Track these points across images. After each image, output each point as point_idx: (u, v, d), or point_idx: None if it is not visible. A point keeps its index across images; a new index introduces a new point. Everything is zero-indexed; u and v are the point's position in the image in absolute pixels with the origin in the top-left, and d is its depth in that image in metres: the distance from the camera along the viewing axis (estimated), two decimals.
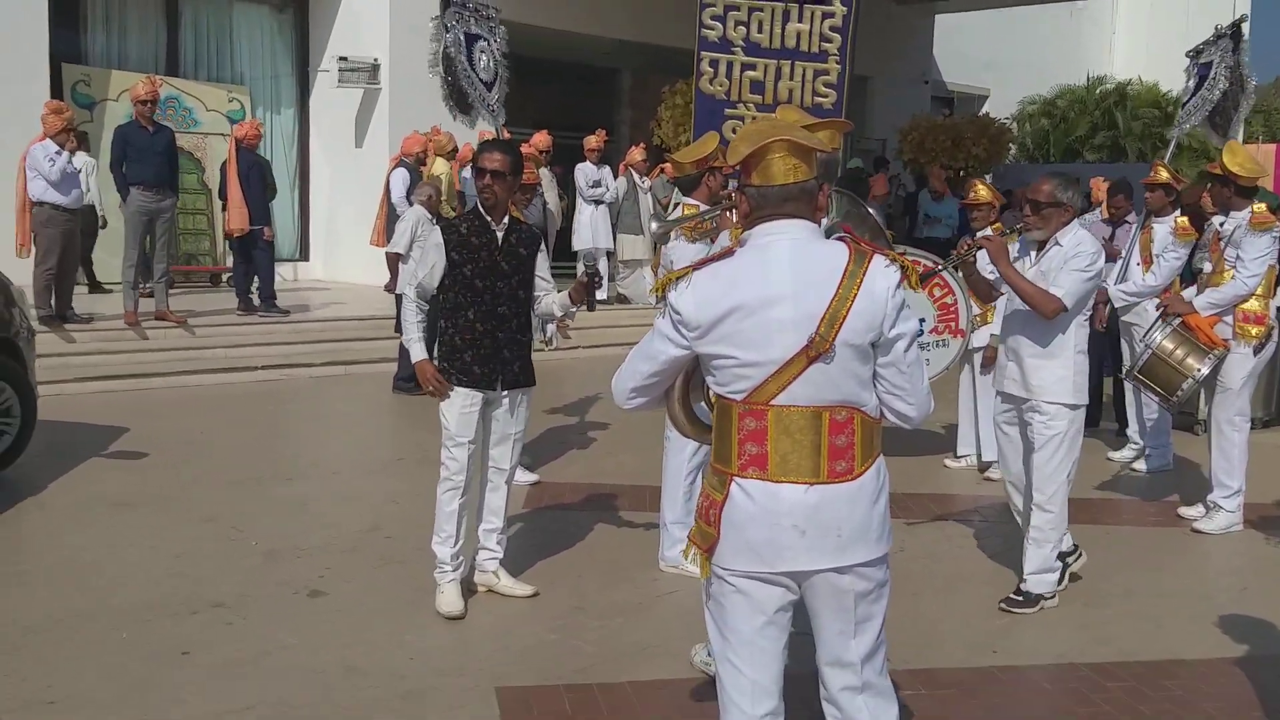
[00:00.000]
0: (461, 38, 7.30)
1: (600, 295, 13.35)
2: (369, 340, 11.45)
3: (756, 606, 2.83)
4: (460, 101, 7.47)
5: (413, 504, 6.59)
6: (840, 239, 2.90)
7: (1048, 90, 23.56)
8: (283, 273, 12.11)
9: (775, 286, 2.72)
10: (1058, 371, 5.21)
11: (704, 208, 5.53)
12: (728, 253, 2.83)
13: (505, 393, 5.11)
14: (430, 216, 9.97)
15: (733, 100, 9.09)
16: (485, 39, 7.41)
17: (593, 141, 13.74)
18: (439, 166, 11.97)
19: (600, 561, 5.82)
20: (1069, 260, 5.17)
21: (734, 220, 4.60)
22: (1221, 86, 8.39)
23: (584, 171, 13.64)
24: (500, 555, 5.31)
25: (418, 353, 5.07)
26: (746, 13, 8.95)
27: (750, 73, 9.03)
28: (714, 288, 2.76)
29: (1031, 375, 5.26)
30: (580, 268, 5.06)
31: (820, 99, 8.98)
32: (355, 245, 14.79)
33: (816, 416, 2.74)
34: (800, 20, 8.89)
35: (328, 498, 6.85)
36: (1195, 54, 9.00)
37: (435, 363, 5.06)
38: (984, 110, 21.87)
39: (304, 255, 15.92)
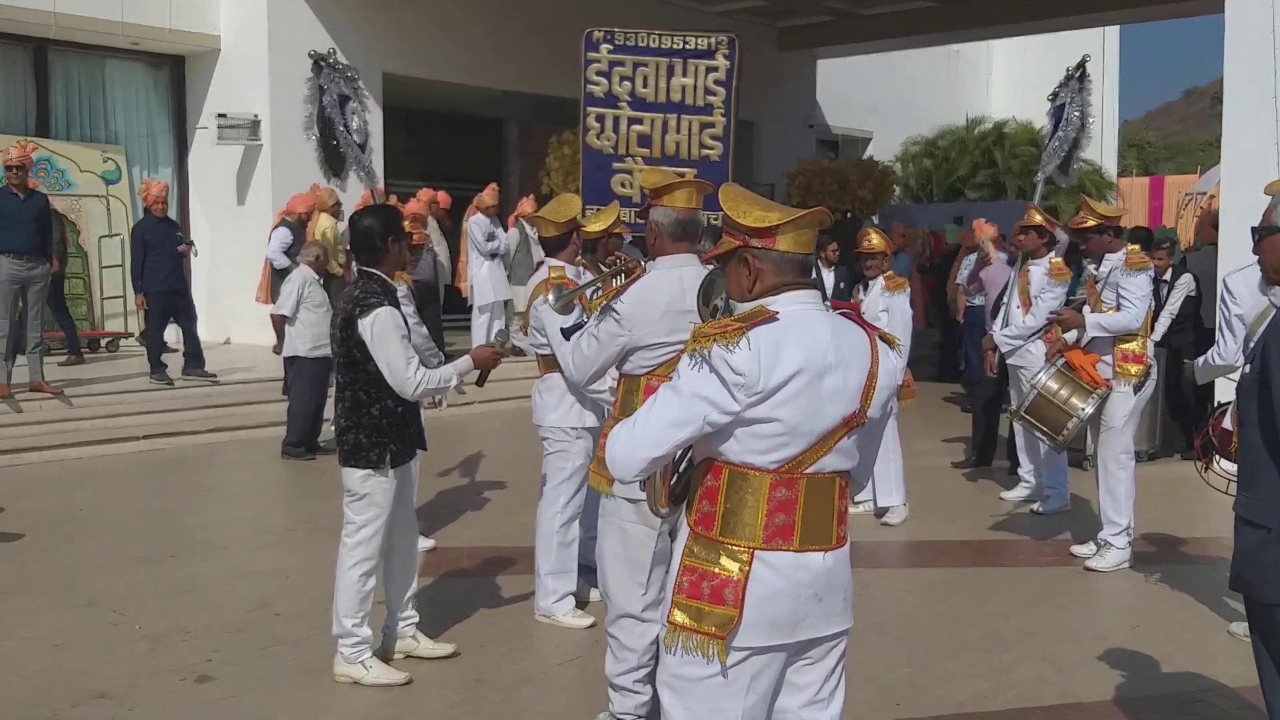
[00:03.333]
0: (336, 99, 7.21)
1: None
2: (256, 404, 11.15)
3: (761, 683, 2.79)
4: (336, 163, 7.39)
5: (304, 578, 6.40)
6: (845, 315, 2.92)
7: (929, 131, 24.16)
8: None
9: (823, 357, 2.73)
10: None
11: (569, 267, 5.69)
12: (768, 318, 2.72)
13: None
14: (317, 277, 9.81)
15: (620, 154, 9.13)
16: (354, 100, 7.35)
17: (488, 199, 13.62)
18: (323, 223, 11.78)
19: (501, 629, 5.70)
20: None
21: (616, 285, 4.59)
22: (1075, 126, 8.66)
23: (479, 224, 13.48)
24: (418, 618, 5.29)
25: (465, 364, 4.95)
26: (631, 68, 9.01)
27: (637, 127, 9.08)
28: (772, 351, 2.69)
29: None
30: (495, 336, 5.16)
31: (707, 151, 9.07)
32: (238, 306, 14.46)
33: (833, 484, 2.81)
34: (685, 75, 8.98)
35: (214, 575, 6.60)
36: (1053, 97, 9.26)
37: (389, 447, 4.86)
38: (868, 153, 22.35)
39: None
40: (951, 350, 14.82)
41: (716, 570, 2.74)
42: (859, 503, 8.06)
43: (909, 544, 7.46)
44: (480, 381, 5.17)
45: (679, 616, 2.76)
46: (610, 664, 4.37)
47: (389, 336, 4.74)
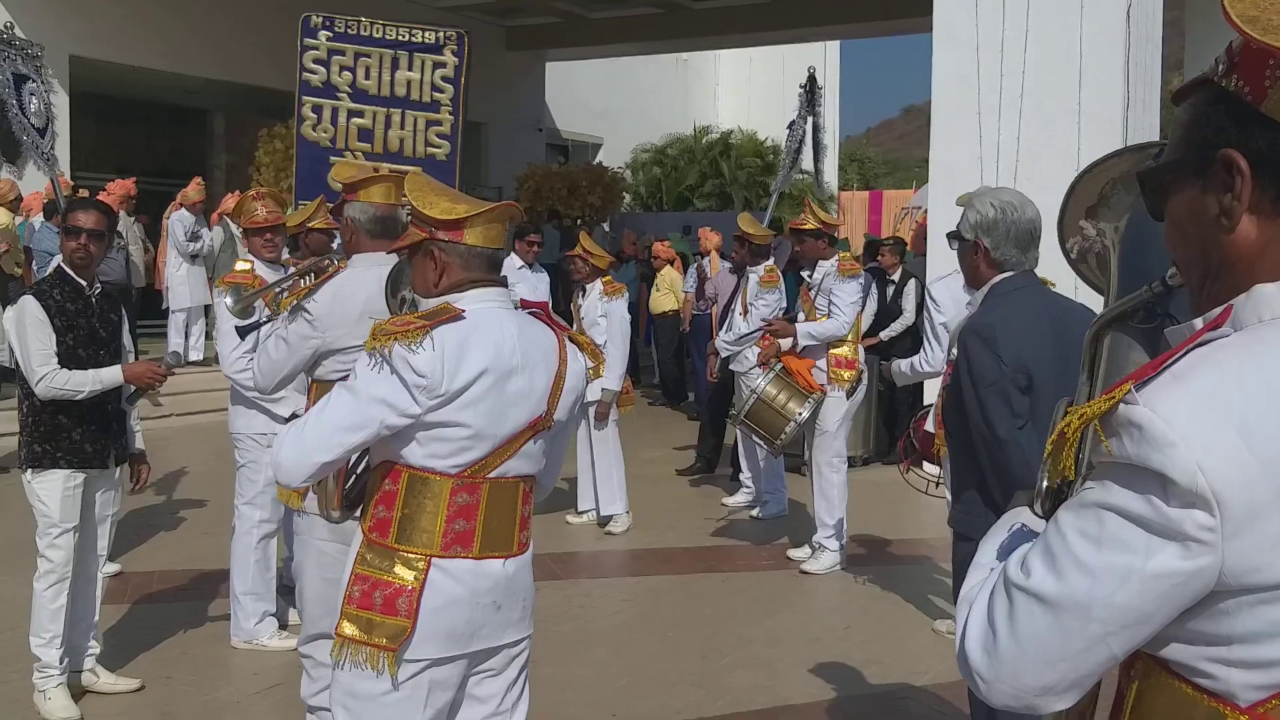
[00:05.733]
0: (10, 78, 6.49)
1: (195, 356, 12.45)
2: None
3: (438, 697, 2.62)
4: (8, 148, 6.68)
5: None
6: (534, 314, 2.79)
7: (659, 139, 24.49)
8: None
9: (509, 358, 2.62)
10: None
11: (258, 264, 5.41)
12: (454, 316, 2.54)
13: (115, 469, 4.71)
14: None
15: (339, 148, 8.67)
16: (34, 80, 6.65)
17: (192, 194, 12.64)
18: (1, 217, 10.74)
19: (193, 658, 5.25)
20: None
21: (303, 287, 4.29)
22: (798, 138, 8.89)
23: (182, 221, 12.53)
24: (99, 650, 4.85)
25: (111, 375, 4.47)
26: (352, 58, 8.57)
27: (358, 120, 8.65)
28: (456, 352, 2.51)
29: None
30: (165, 356, 4.67)
31: (434, 149, 8.74)
32: None
33: (517, 489, 2.70)
34: (410, 69, 8.62)
35: None
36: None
37: (31, 447, 4.48)
38: (598, 158, 22.43)
39: None
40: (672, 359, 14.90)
41: (390, 579, 2.57)
42: (582, 512, 7.92)
43: (631, 552, 7.37)
44: (132, 399, 4.72)
45: (348, 628, 2.58)
46: (305, 685, 4.12)
47: (22, 325, 4.41)
